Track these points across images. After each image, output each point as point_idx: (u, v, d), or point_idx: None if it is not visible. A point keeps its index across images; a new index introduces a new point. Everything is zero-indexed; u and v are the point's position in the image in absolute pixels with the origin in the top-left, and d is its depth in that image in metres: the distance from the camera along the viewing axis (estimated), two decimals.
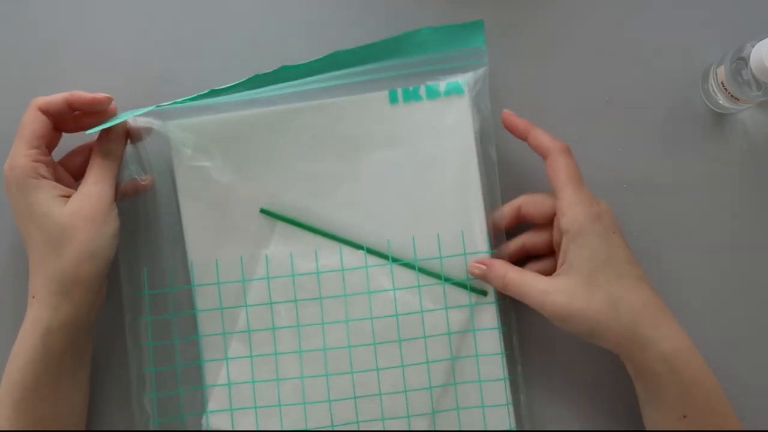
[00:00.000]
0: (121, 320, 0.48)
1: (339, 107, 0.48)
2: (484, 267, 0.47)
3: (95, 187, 0.45)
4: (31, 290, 0.44)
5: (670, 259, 0.50)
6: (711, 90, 0.51)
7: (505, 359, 0.48)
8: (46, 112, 0.46)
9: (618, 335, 0.42)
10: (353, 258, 0.48)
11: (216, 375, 0.48)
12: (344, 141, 0.48)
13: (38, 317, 0.44)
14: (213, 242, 0.48)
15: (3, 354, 0.44)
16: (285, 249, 0.48)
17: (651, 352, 0.42)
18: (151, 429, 0.48)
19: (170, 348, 0.48)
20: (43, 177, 0.45)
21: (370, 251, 0.48)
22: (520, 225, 0.48)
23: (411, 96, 0.48)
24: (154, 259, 0.48)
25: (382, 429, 0.47)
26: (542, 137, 0.46)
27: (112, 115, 0.47)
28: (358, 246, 0.48)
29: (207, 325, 0.48)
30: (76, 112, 0.47)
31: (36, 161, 0.45)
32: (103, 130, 0.46)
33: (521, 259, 0.48)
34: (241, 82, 0.46)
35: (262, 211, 0.48)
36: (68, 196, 0.45)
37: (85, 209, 0.44)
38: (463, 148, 0.48)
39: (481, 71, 0.48)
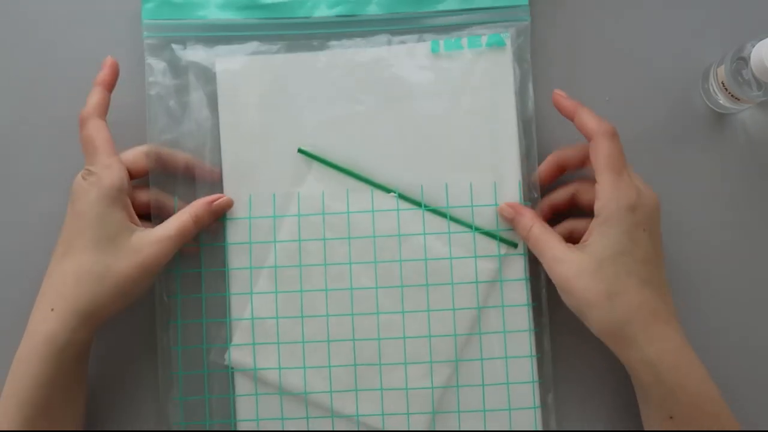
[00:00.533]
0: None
1: (381, 55, 0.49)
2: (513, 211, 0.47)
3: (170, 240, 0.45)
4: (51, 301, 0.43)
5: (669, 259, 0.49)
6: (711, 90, 0.51)
7: (531, 311, 0.48)
8: (102, 116, 0.46)
9: (606, 326, 0.42)
10: (385, 202, 0.48)
11: (242, 311, 0.48)
12: (384, 87, 0.49)
13: (54, 334, 0.42)
14: (248, 177, 0.49)
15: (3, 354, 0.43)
16: (318, 189, 0.48)
17: (634, 352, 0.42)
18: (176, 382, 0.48)
19: (198, 302, 0.49)
20: (126, 198, 0.45)
21: (402, 197, 0.48)
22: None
23: (453, 46, 0.49)
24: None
25: (404, 373, 0.47)
26: (588, 119, 0.44)
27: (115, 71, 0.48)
28: (389, 190, 0.48)
29: (236, 260, 0.48)
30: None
31: (125, 177, 0.45)
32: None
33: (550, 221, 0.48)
34: None
35: (300, 151, 0.49)
36: (133, 222, 0.45)
37: (151, 260, 0.44)
38: (502, 99, 0.48)
39: (523, 26, 0.49)
